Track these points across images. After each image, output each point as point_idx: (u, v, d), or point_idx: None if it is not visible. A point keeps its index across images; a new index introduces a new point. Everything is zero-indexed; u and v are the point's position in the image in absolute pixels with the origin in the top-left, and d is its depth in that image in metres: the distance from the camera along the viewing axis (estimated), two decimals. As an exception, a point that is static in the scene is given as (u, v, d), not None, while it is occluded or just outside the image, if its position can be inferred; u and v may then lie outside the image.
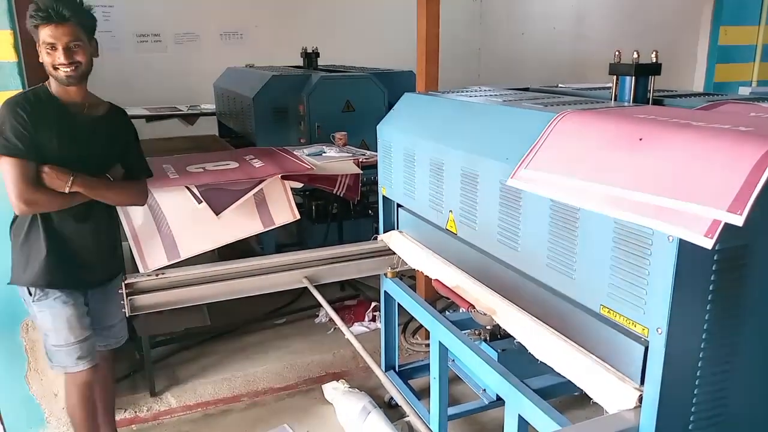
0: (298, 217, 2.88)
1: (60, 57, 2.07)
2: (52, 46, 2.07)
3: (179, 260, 2.61)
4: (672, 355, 1.38)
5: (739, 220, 1.12)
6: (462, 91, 2.70)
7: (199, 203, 2.65)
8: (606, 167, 1.46)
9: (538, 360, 1.77)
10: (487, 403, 2.69)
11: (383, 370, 2.94)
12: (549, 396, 1.97)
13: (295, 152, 3.30)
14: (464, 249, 2.21)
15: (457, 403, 2.87)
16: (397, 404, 2.94)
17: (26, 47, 2.45)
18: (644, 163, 1.38)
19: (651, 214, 1.28)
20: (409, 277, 3.49)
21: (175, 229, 2.64)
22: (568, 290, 1.69)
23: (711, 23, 4.32)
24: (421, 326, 3.69)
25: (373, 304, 3.93)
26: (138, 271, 2.51)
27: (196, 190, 2.69)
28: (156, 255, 2.60)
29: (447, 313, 2.62)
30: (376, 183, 2.92)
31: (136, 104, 5.31)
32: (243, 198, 2.72)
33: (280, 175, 2.87)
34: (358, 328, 3.81)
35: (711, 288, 1.39)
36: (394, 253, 2.70)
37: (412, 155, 2.46)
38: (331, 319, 3.71)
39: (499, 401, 2.54)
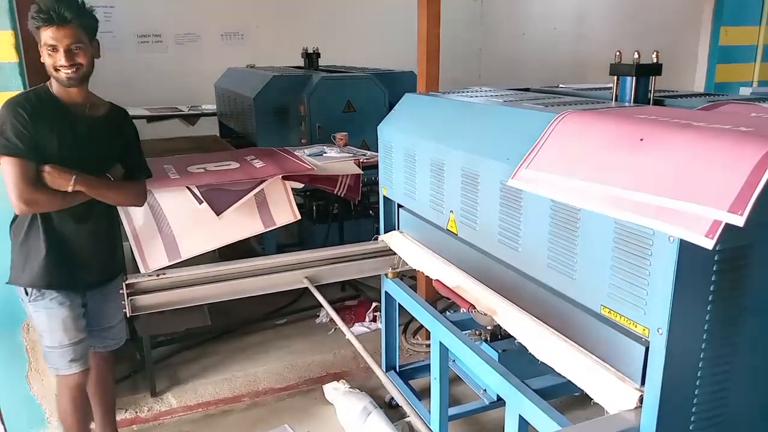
0: (299, 217, 2.88)
1: (61, 59, 2.07)
2: (54, 48, 2.07)
3: (180, 260, 2.61)
4: (673, 355, 1.38)
5: (739, 221, 1.12)
6: (463, 92, 2.70)
7: (200, 203, 2.65)
8: (607, 167, 1.46)
9: (538, 360, 1.77)
10: (487, 403, 2.69)
11: (384, 370, 2.94)
12: (549, 396, 1.96)
13: (295, 152, 3.30)
14: (465, 249, 2.21)
15: (457, 404, 2.87)
16: (397, 404, 2.94)
17: (27, 48, 2.45)
18: (645, 163, 1.38)
19: (652, 214, 1.28)
20: (409, 278, 3.48)
21: (176, 230, 2.64)
22: (569, 290, 1.69)
23: (712, 23, 4.32)
24: (421, 326, 3.69)
25: (374, 304, 3.92)
26: (139, 272, 2.51)
27: (197, 191, 2.69)
28: (157, 255, 2.61)
29: (447, 313, 2.63)
30: (376, 183, 2.92)
31: (137, 105, 5.30)
32: (244, 198, 2.72)
33: (280, 176, 2.87)
34: (358, 328, 3.81)
35: (712, 288, 1.39)
36: (395, 254, 2.71)
37: (413, 155, 2.46)
38: (331, 320, 3.71)
39: (499, 401, 2.53)
